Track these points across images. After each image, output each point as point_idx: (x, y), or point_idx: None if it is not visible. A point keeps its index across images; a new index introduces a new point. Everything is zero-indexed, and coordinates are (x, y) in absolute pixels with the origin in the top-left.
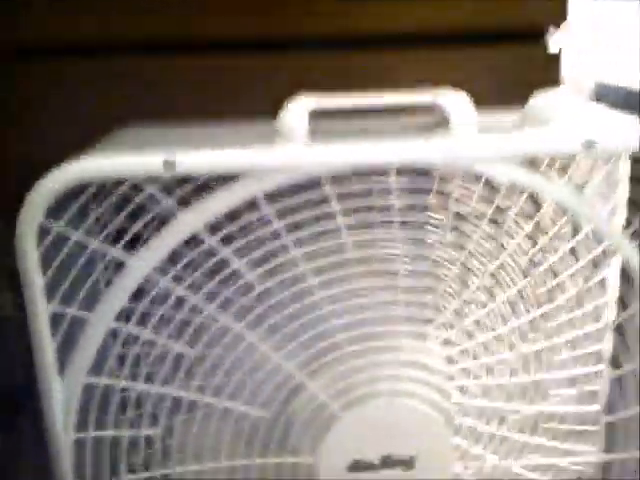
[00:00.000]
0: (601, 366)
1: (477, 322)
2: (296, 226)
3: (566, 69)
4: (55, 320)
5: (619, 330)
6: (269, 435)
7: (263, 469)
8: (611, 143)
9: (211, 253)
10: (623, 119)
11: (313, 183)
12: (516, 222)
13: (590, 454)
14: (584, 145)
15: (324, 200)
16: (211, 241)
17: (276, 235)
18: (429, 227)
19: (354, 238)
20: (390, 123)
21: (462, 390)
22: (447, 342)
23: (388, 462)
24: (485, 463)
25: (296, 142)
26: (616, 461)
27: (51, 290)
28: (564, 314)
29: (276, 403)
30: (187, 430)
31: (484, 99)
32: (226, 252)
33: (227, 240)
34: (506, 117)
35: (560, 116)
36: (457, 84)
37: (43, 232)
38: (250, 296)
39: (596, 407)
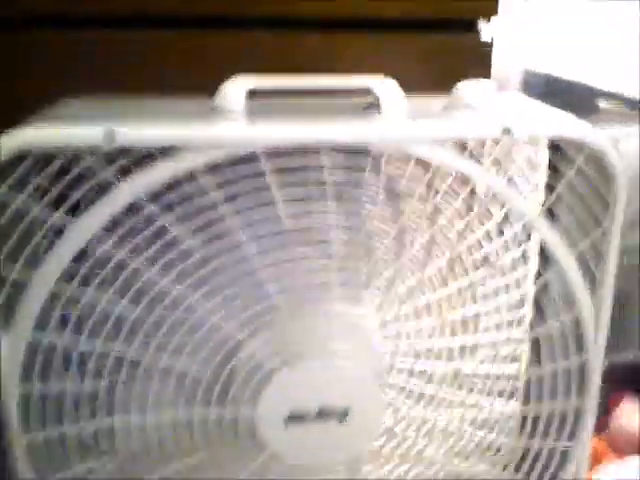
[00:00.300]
0: (521, 332)
1: (409, 289)
2: (234, 197)
3: (497, 58)
4: None
5: (537, 300)
6: (210, 391)
7: (204, 423)
8: (526, 130)
9: (152, 220)
10: (542, 108)
11: (252, 156)
12: (446, 200)
13: (509, 408)
14: (502, 131)
15: (261, 174)
16: (151, 209)
17: (214, 205)
18: (363, 201)
19: (290, 210)
20: (325, 103)
21: (394, 351)
22: (380, 307)
23: (323, 414)
24: (411, 415)
25: (233, 119)
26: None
27: None
28: (489, 284)
29: (216, 361)
30: (130, 386)
31: (417, 85)
32: (166, 219)
33: (168, 208)
34: (435, 103)
35: (483, 103)
36: (392, 69)
37: None
38: (190, 262)
39: (516, 367)
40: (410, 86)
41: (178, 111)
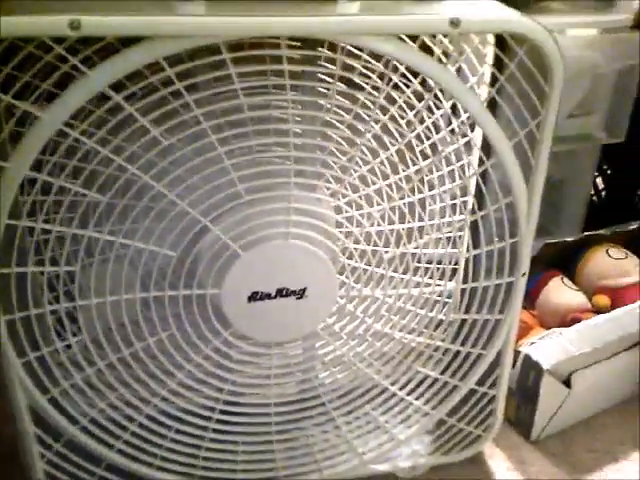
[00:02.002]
0: (464, 215)
1: (361, 177)
2: (195, 87)
3: None
4: None
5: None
6: (177, 273)
7: (175, 303)
8: (472, 23)
9: (118, 109)
10: (488, 3)
11: (214, 47)
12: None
13: (449, 287)
14: (450, 23)
15: (222, 64)
16: (117, 98)
17: (178, 95)
18: (319, 92)
19: (250, 100)
20: None
21: (347, 235)
22: (335, 194)
23: (282, 293)
24: (362, 294)
25: (196, 9)
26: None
27: None
28: (435, 173)
29: (183, 245)
30: (103, 270)
31: None
32: (131, 109)
33: (131, 98)
34: None
35: None
36: None
37: None
38: (154, 151)
39: (457, 250)
40: None
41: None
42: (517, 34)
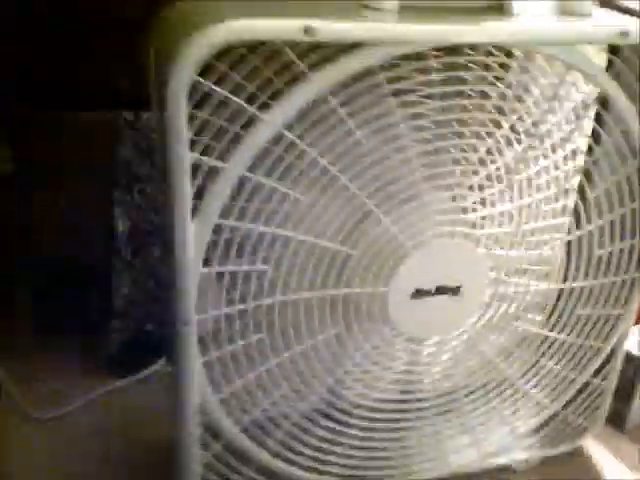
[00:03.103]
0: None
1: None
2: (402, 91)
3: None
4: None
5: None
6: (355, 270)
7: (347, 298)
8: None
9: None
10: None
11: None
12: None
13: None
14: (620, 35)
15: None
16: (332, 103)
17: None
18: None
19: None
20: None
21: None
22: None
23: (441, 290)
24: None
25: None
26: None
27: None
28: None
29: (362, 243)
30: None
31: None
32: (342, 112)
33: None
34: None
35: (591, 10)
36: None
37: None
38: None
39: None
40: None
41: (328, 8)
42: None
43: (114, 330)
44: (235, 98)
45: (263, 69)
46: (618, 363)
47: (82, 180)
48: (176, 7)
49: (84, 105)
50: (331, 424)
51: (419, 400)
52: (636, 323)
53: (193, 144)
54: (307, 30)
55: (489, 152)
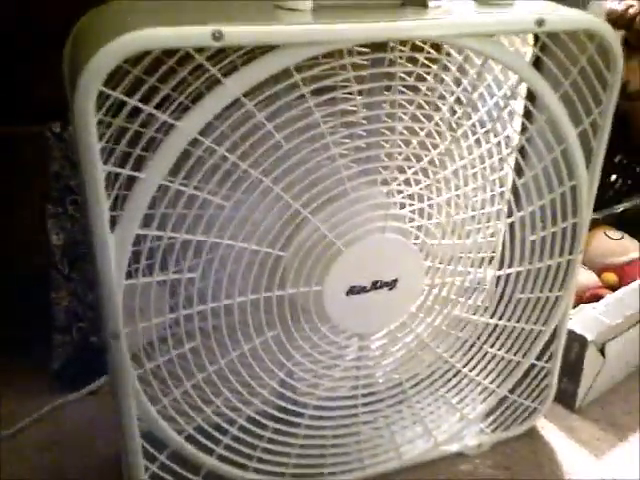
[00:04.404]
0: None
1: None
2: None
3: None
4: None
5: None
6: (287, 271)
7: (282, 300)
8: (555, 22)
9: (249, 117)
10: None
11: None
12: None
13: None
14: (535, 23)
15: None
16: (249, 106)
17: (302, 99)
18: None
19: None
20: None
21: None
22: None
23: (377, 285)
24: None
25: (301, 19)
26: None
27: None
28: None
29: (292, 244)
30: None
31: None
32: (260, 116)
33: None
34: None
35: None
36: None
37: (99, 99)
38: (276, 155)
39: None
40: None
41: (241, 10)
42: (590, 31)
43: (57, 345)
44: (144, 106)
45: (179, 71)
46: (561, 343)
47: (15, 194)
48: (88, 15)
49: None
50: (280, 425)
51: (371, 393)
52: (576, 304)
53: (109, 153)
54: (216, 35)
55: (415, 148)
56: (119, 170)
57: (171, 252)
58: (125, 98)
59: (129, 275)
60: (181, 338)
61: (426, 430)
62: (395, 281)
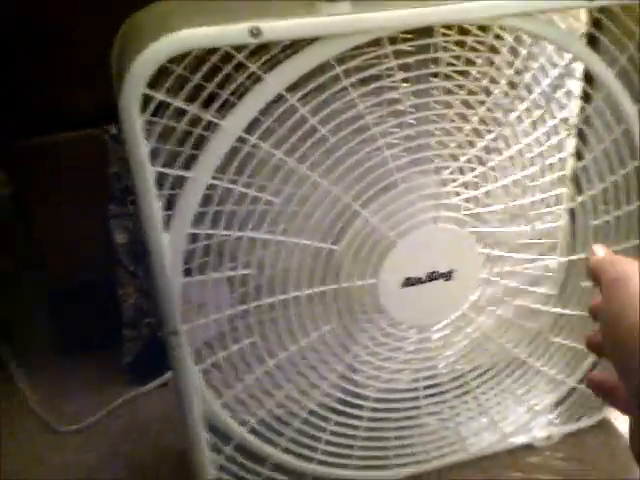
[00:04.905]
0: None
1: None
2: (362, 82)
3: None
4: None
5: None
6: (340, 265)
7: (337, 294)
8: None
9: (293, 111)
10: None
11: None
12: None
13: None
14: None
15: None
16: (292, 101)
17: (345, 92)
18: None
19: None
20: None
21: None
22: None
23: (432, 276)
24: (504, 269)
25: (341, 9)
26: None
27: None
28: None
29: (344, 238)
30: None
31: None
32: (304, 110)
33: (304, 98)
34: None
35: None
36: None
37: (146, 101)
38: (323, 149)
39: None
40: None
41: (277, 8)
42: None
43: (127, 340)
44: (187, 107)
45: (223, 69)
46: None
47: (79, 197)
48: (133, 16)
49: (69, 125)
50: (342, 418)
51: (433, 385)
52: None
53: (156, 154)
54: (253, 32)
55: (468, 135)
56: (167, 171)
57: (224, 250)
58: (167, 99)
59: (187, 273)
60: (240, 333)
61: (492, 422)
62: (451, 272)
